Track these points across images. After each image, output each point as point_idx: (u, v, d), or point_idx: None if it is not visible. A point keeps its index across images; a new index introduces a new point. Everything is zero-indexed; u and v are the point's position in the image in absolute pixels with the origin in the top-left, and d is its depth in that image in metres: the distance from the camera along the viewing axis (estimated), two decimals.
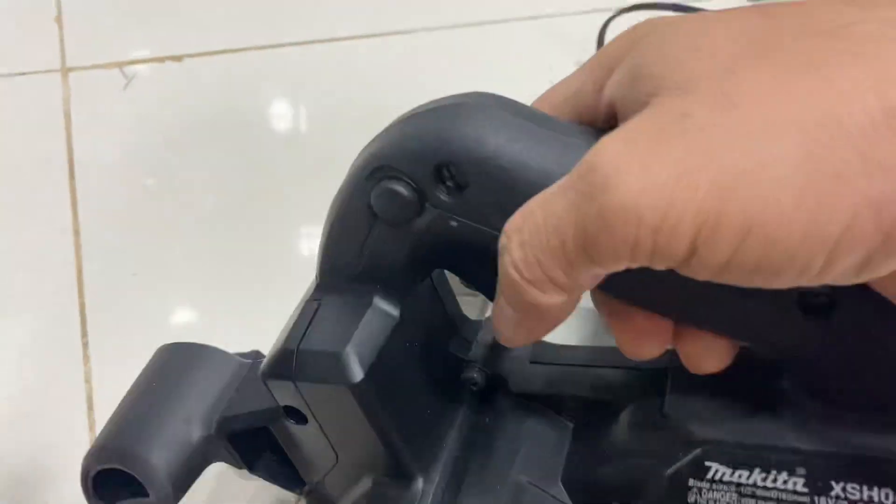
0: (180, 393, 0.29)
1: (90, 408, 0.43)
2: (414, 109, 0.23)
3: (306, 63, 0.58)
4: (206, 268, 0.47)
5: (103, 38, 0.59)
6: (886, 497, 0.21)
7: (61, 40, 0.58)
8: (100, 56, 0.58)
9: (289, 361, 0.25)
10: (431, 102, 0.23)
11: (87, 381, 0.44)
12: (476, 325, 0.30)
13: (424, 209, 0.23)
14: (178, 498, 0.28)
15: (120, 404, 0.30)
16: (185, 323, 0.46)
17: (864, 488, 0.21)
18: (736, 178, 0.16)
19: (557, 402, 0.28)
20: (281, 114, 0.56)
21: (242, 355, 0.32)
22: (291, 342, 0.25)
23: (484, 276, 0.24)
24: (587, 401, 0.28)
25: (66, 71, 0.57)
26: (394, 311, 0.25)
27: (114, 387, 0.31)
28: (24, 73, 0.56)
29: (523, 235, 0.19)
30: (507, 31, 0.61)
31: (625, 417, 0.26)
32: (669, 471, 0.23)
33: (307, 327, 0.25)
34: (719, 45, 0.19)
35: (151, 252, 0.48)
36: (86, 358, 0.45)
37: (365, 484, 0.27)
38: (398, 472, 0.26)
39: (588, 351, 0.29)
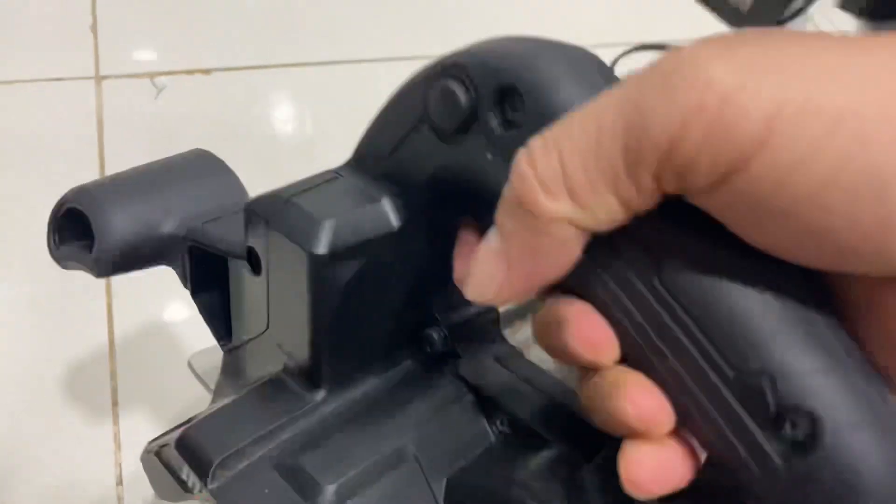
0: (180, 189, 0.29)
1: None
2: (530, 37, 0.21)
3: (328, 82, 0.61)
4: None
5: (136, 49, 0.62)
6: None
7: (96, 49, 0.61)
8: (132, 66, 0.60)
9: (274, 204, 0.24)
10: (546, 43, 0.21)
11: (111, 365, 0.47)
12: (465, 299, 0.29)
13: (470, 130, 0.21)
14: (115, 270, 0.29)
15: (131, 171, 0.30)
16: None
17: None
18: (830, 72, 0.15)
19: (492, 408, 0.27)
20: (302, 129, 0.59)
21: None
22: (287, 191, 0.24)
23: None
24: (520, 423, 0.26)
25: (99, 79, 0.59)
26: (394, 221, 0.24)
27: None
28: (60, 80, 0.59)
29: (551, 138, 0.17)
30: None
31: (542, 461, 0.25)
32: None
33: (311, 188, 0.24)
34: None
35: None
36: (111, 350, 0.47)
37: (275, 365, 0.27)
38: (308, 373, 0.26)
39: (554, 382, 0.27)
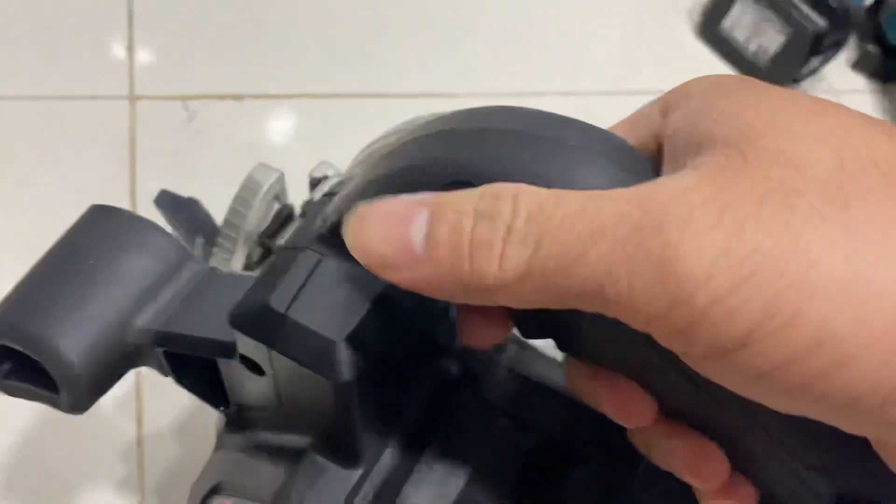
0: (119, 281, 0.24)
1: None
2: (492, 119, 0.20)
3: (357, 114, 0.63)
4: None
5: (171, 71, 0.63)
6: None
7: (131, 69, 0.62)
8: (166, 88, 0.62)
9: (270, 324, 0.21)
10: (514, 118, 0.20)
11: None
12: None
13: None
14: (93, 402, 0.24)
15: (43, 268, 0.25)
16: None
17: None
18: (825, 288, 0.14)
19: (524, 420, 0.26)
20: (331, 159, 0.60)
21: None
22: (278, 301, 0.21)
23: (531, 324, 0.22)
24: (552, 437, 0.26)
25: (133, 99, 0.61)
26: (403, 302, 0.22)
27: None
28: (94, 98, 0.60)
29: (548, 206, 0.16)
30: (543, 103, 0.65)
31: (585, 474, 0.25)
32: None
33: (301, 288, 0.21)
34: (833, 131, 0.16)
35: None
36: None
37: (298, 441, 0.25)
38: (342, 453, 0.24)
39: None
